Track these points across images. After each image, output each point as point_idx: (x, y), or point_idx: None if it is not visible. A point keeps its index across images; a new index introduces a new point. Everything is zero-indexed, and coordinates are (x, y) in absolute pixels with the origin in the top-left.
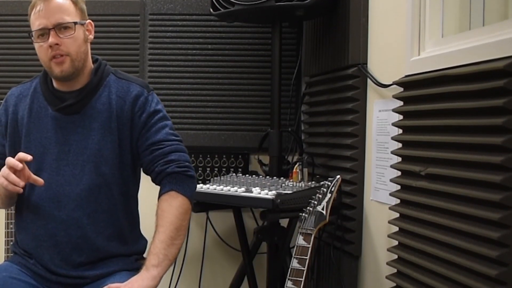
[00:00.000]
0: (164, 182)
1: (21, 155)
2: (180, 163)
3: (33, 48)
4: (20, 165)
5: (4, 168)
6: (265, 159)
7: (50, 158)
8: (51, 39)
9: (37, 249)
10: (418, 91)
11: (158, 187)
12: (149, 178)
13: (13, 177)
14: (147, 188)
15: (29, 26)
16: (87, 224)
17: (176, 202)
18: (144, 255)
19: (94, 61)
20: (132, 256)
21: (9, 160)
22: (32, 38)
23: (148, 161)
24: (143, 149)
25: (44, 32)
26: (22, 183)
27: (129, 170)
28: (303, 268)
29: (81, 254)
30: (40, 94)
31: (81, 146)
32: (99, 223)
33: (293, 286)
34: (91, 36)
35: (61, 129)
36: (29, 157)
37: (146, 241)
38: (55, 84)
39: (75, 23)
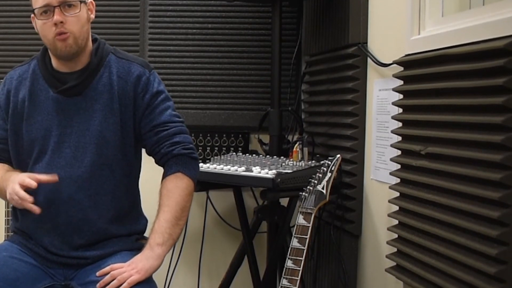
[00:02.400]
0: (170, 163)
1: (40, 178)
2: (185, 145)
3: (32, 28)
4: (34, 185)
5: (15, 184)
6: (265, 138)
7: (52, 140)
8: (56, 17)
9: (37, 231)
10: (418, 70)
11: (159, 168)
12: (150, 158)
13: (23, 193)
14: (148, 169)
15: (27, 5)
16: (88, 206)
17: (182, 183)
18: (145, 235)
19: (93, 40)
20: (132, 235)
21: (25, 180)
22: (34, 15)
23: (153, 142)
24: (147, 130)
25: (48, 9)
26: (30, 199)
27: (132, 151)
28: (303, 247)
29: (81, 236)
30: (39, 76)
31: (83, 128)
32: (100, 205)
33: (293, 265)
34: (92, 16)
35: (62, 111)
36: (45, 179)
37: (146, 220)
38: (54, 65)
39: (80, 1)
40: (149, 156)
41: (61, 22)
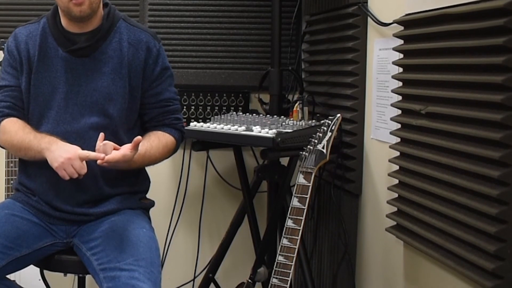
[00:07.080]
0: (171, 129)
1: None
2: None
3: None
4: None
5: (73, 155)
6: (266, 97)
7: (58, 97)
8: None
9: (42, 186)
10: (419, 30)
11: None
12: None
13: (79, 163)
14: None
15: None
16: (93, 161)
17: (172, 145)
18: (147, 196)
19: (104, 4)
20: (136, 195)
21: (83, 153)
22: None
23: (158, 113)
24: (152, 102)
25: None
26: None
27: (136, 116)
28: (303, 207)
29: (86, 192)
30: (49, 35)
31: (90, 88)
32: None
33: (293, 224)
34: None
35: (71, 70)
36: (101, 155)
37: (149, 181)
38: (64, 24)
39: None
40: (144, 123)
41: None
